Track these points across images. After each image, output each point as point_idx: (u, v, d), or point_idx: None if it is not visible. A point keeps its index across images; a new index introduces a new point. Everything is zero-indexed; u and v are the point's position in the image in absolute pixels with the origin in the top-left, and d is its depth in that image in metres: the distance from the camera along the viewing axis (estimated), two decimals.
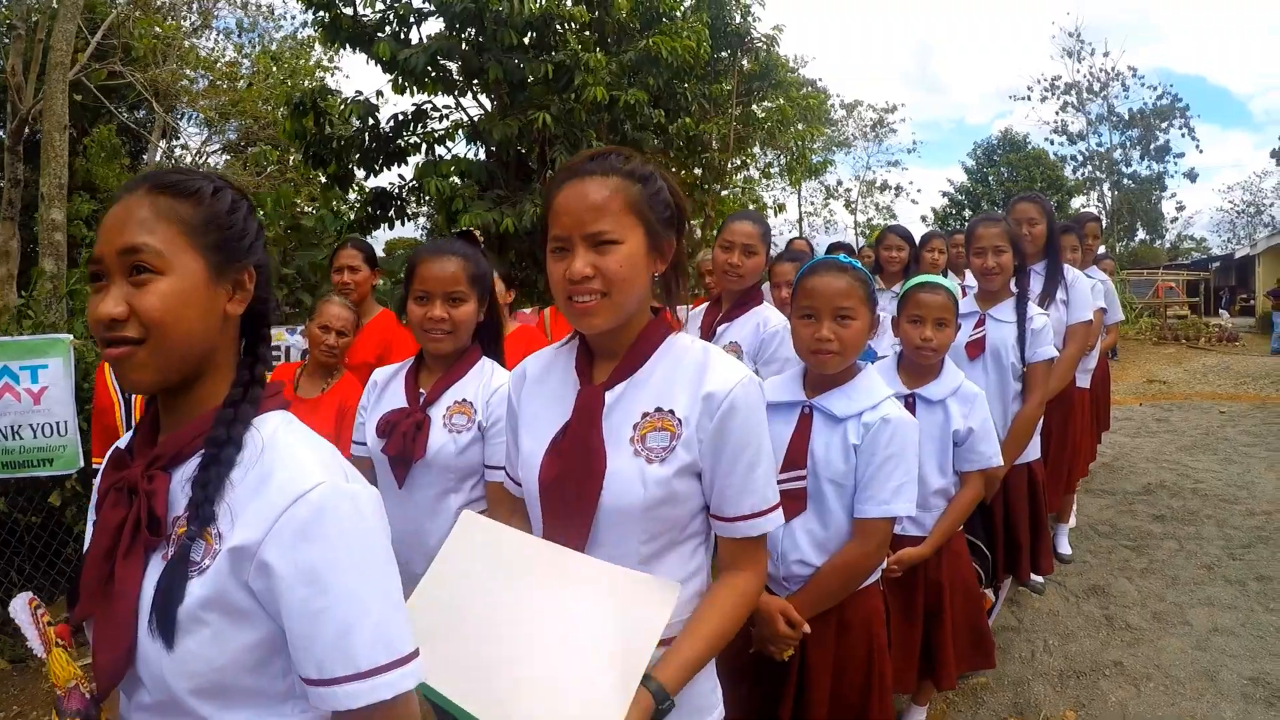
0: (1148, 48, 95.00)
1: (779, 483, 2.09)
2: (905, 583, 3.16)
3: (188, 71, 17.53)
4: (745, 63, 11.88)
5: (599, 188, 1.65)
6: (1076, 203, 38.36)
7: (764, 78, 11.82)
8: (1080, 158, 45.61)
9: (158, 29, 15.41)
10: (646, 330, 1.78)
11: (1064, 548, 5.78)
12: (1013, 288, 4.06)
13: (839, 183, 42.81)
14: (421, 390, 2.79)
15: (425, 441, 2.67)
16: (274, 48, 20.91)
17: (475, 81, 9.50)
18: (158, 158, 17.63)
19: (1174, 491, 7.15)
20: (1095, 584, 5.31)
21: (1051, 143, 44.63)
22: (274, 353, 5.65)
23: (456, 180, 9.49)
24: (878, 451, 2.44)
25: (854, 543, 2.48)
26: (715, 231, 13.51)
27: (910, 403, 3.19)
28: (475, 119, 9.87)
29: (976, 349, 3.93)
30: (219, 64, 18.93)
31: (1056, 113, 45.59)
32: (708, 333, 3.83)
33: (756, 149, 12.89)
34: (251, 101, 17.06)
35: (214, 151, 19.82)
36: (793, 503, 2.48)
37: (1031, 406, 3.90)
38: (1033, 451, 4.12)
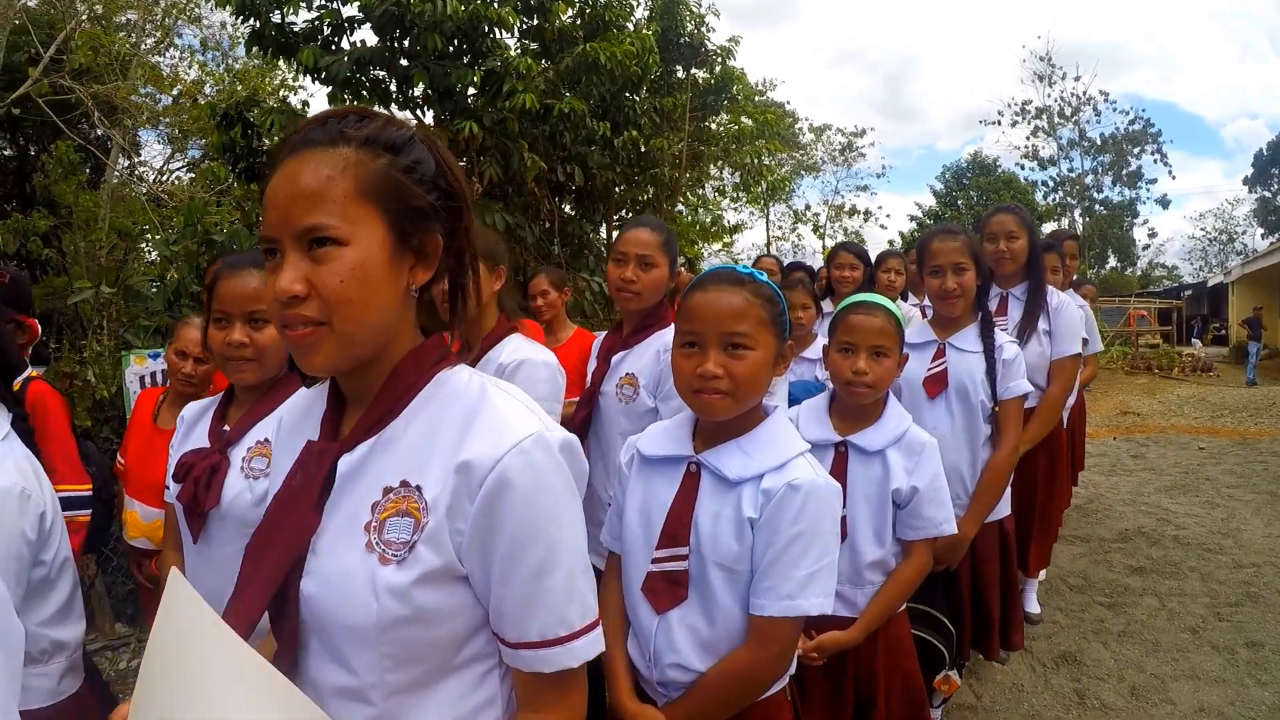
0: (1119, 75, 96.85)
1: (656, 561, 1.88)
2: (830, 673, 2.53)
3: (150, 89, 16.93)
4: (703, 75, 11.33)
5: (318, 165, 1.17)
6: (1048, 228, 38.10)
7: (720, 92, 11.25)
8: (1051, 183, 45.79)
9: (101, 42, 14.79)
10: (402, 365, 1.28)
11: (1032, 605, 5.16)
12: (980, 312, 3.46)
13: (807, 207, 42.54)
14: (226, 428, 2.34)
15: (219, 488, 2.21)
16: (238, 66, 20.30)
17: (407, 92, 8.87)
18: (114, 177, 16.99)
19: (1153, 539, 6.55)
20: (1066, 651, 4.69)
21: (1022, 167, 44.71)
22: (142, 376, 5.03)
23: None
24: (781, 529, 1.80)
25: (747, 646, 1.84)
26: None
27: (842, 453, 2.57)
28: None
29: (937, 385, 3.30)
30: (180, 82, 18.31)
31: (1027, 137, 45.81)
32: (604, 364, 3.18)
33: (715, 167, 12.26)
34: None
35: (179, 169, 19.25)
36: (670, 588, 1.88)
37: (1004, 453, 3.27)
38: (1004, 507, 3.50)
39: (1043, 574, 5.70)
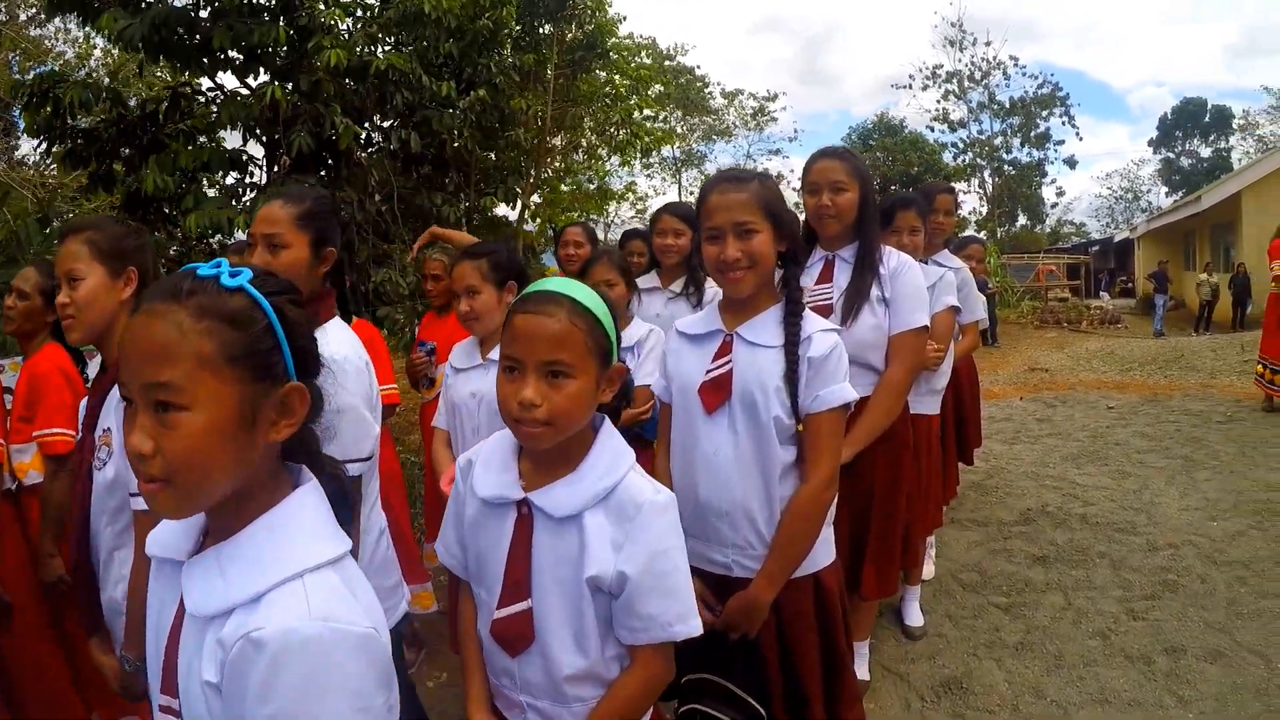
0: (1029, 44, 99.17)
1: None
2: None
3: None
4: (573, 30, 10.34)
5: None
6: (957, 189, 38.01)
7: (591, 48, 10.26)
8: (961, 144, 45.95)
9: None
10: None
11: (913, 617, 4.37)
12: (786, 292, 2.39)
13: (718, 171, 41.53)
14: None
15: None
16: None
17: (212, 54, 7.73)
18: None
19: (1059, 519, 5.77)
20: (951, 675, 3.88)
21: (932, 130, 44.91)
22: None
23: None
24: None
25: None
26: (540, 222, 12.07)
27: (525, 515, 1.73)
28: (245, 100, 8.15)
29: (718, 392, 2.32)
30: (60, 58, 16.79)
31: (938, 101, 46.00)
32: None
33: (591, 129, 11.26)
34: None
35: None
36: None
37: (813, 488, 2.25)
38: (821, 554, 2.42)
39: (930, 571, 4.94)
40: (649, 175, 37.28)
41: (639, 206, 36.87)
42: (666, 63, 34.38)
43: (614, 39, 10.59)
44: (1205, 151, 55.80)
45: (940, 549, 5.31)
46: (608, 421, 1.79)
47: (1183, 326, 22.98)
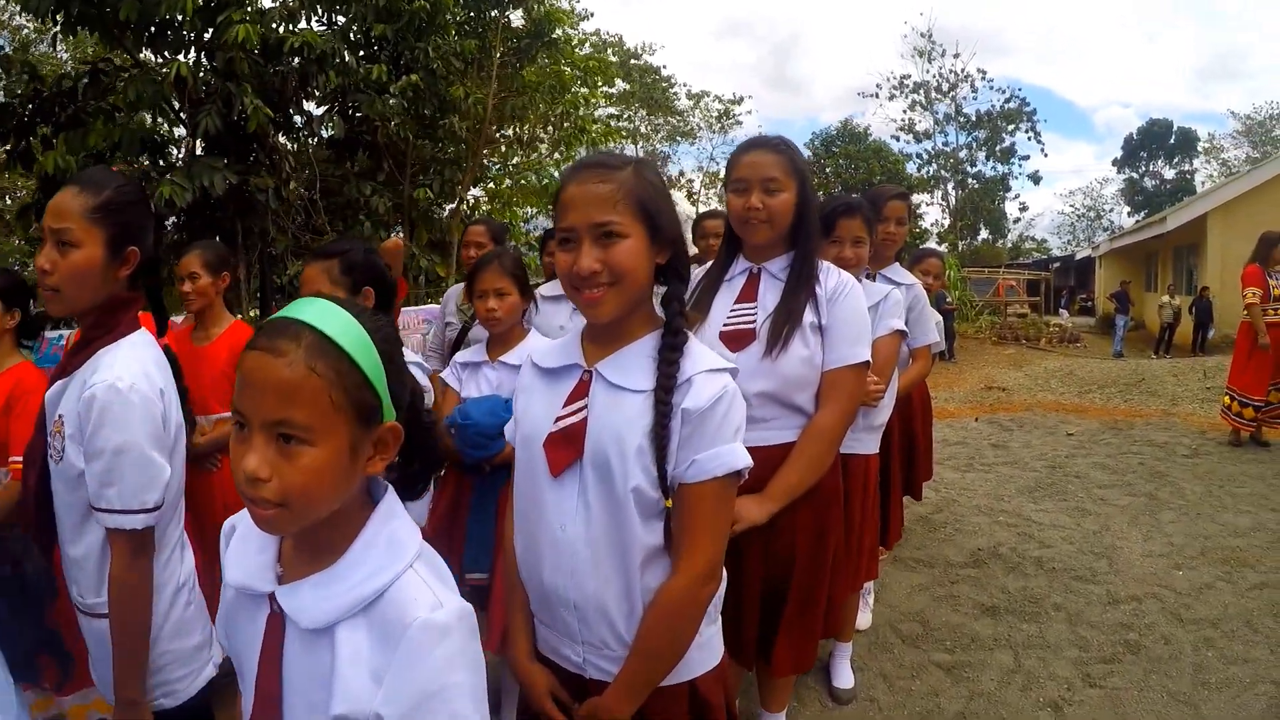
0: (998, 58, 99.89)
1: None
2: None
3: None
4: (520, 18, 9.77)
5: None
6: (920, 200, 38.02)
7: (538, 36, 9.69)
8: (926, 155, 46.15)
9: None
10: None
11: (842, 679, 3.84)
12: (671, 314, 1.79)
13: (681, 174, 41.93)
14: None
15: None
16: None
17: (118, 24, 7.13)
18: None
19: (1012, 563, 5.28)
20: None
21: (898, 140, 44.82)
22: None
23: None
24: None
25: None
26: (475, 213, 11.43)
27: (275, 618, 1.32)
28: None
29: (566, 450, 1.74)
30: None
31: (904, 111, 46.30)
32: None
33: (537, 120, 10.67)
34: None
35: None
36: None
37: (684, 585, 1.68)
38: (698, 661, 1.82)
39: (865, 620, 4.44)
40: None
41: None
42: (632, 61, 34.07)
43: (562, 27, 10.02)
44: (1169, 173, 56.20)
45: (881, 592, 4.82)
46: (391, 496, 1.32)
47: (1142, 348, 22.76)
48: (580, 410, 1.74)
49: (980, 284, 31.14)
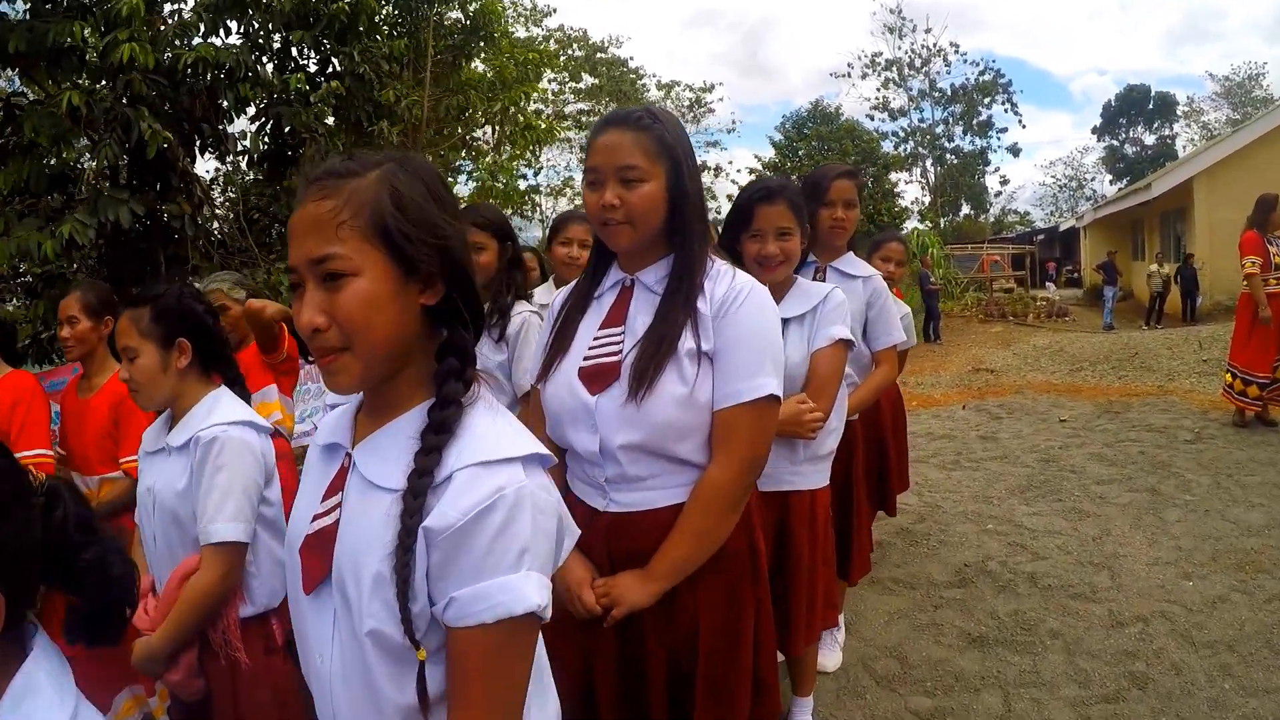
0: (970, 33, 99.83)
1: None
2: None
3: None
4: (454, 14, 9.20)
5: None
6: (898, 178, 37.63)
7: (474, 32, 9.11)
8: (902, 133, 45.73)
9: None
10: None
11: None
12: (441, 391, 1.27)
13: None
14: None
15: None
16: None
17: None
18: None
19: (1002, 580, 4.74)
20: None
21: (872, 119, 44.52)
22: None
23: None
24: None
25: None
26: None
27: None
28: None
29: (316, 564, 1.30)
30: None
31: (878, 89, 45.80)
32: None
33: (485, 122, 10.09)
34: None
35: None
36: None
37: None
38: None
39: (834, 660, 3.91)
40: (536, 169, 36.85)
41: (577, 202, 36.07)
42: (599, 55, 33.51)
43: (499, 22, 9.45)
44: (1150, 139, 55.95)
45: (854, 622, 4.29)
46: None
47: (1133, 319, 22.25)
48: (335, 509, 1.29)
49: (964, 260, 30.82)
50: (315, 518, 1.31)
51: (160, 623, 2.22)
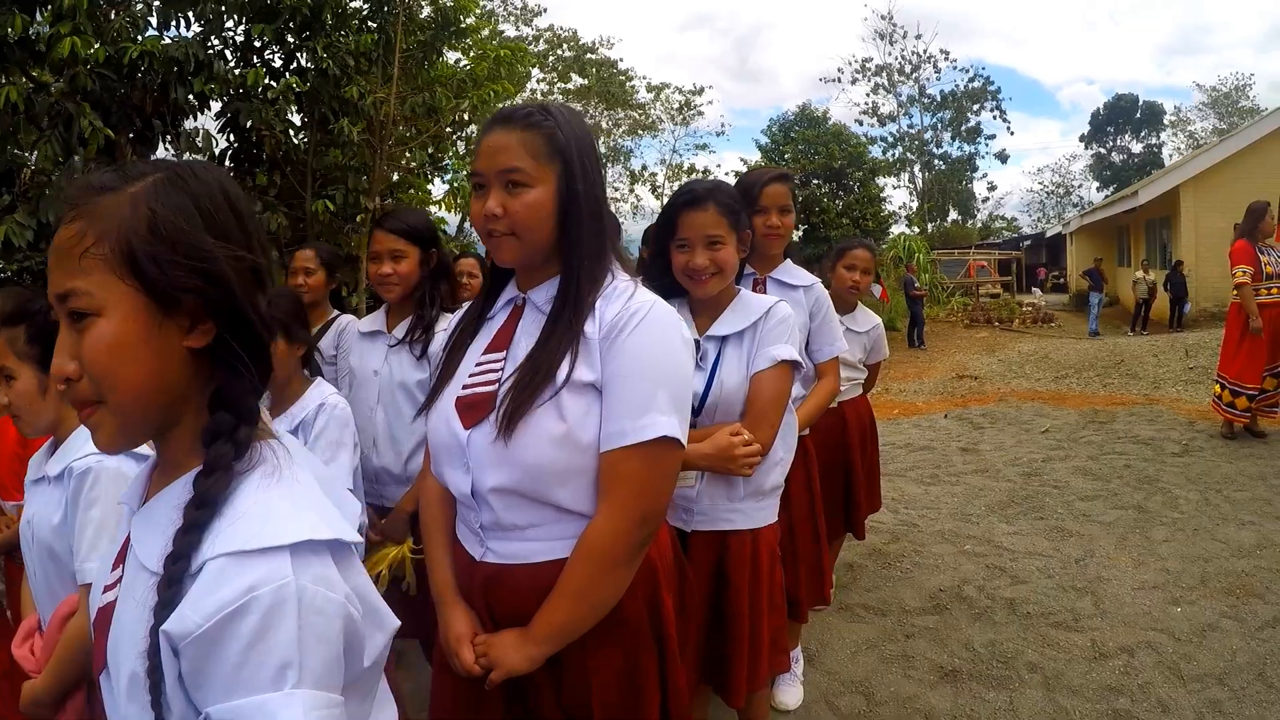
0: (960, 41, 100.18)
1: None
2: None
3: None
4: (426, 8, 8.89)
5: None
6: (886, 183, 37.50)
7: (446, 26, 8.80)
8: (891, 138, 45.90)
9: None
10: None
11: None
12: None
13: (644, 167, 41.17)
14: None
15: None
16: None
17: None
18: None
19: (979, 606, 4.46)
20: None
21: (861, 123, 44.58)
22: None
23: None
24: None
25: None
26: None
27: None
28: None
29: (98, 649, 1.10)
30: None
31: (867, 94, 46.21)
32: None
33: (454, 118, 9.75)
34: None
35: None
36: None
37: None
38: None
39: (795, 697, 3.63)
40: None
41: None
42: (588, 56, 33.26)
43: (473, 14, 9.14)
44: (1136, 147, 56.09)
45: (819, 653, 4.02)
46: None
47: (1118, 325, 22.06)
48: (116, 584, 1.09)
49: (951, 265, 30.73)
50: (105, 589, 1.09)
51: (44, 664, 1.99)
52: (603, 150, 37.93)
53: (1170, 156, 49.76)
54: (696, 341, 2.38)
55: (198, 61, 6.65)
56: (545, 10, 31.32)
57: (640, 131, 39.53)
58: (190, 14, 7.08)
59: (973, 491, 6.57)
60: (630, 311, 1.61)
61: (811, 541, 3.30)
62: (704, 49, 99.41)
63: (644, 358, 1.59)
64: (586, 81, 32.80)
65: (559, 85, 31.94)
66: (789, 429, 2.57)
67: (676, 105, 40.03)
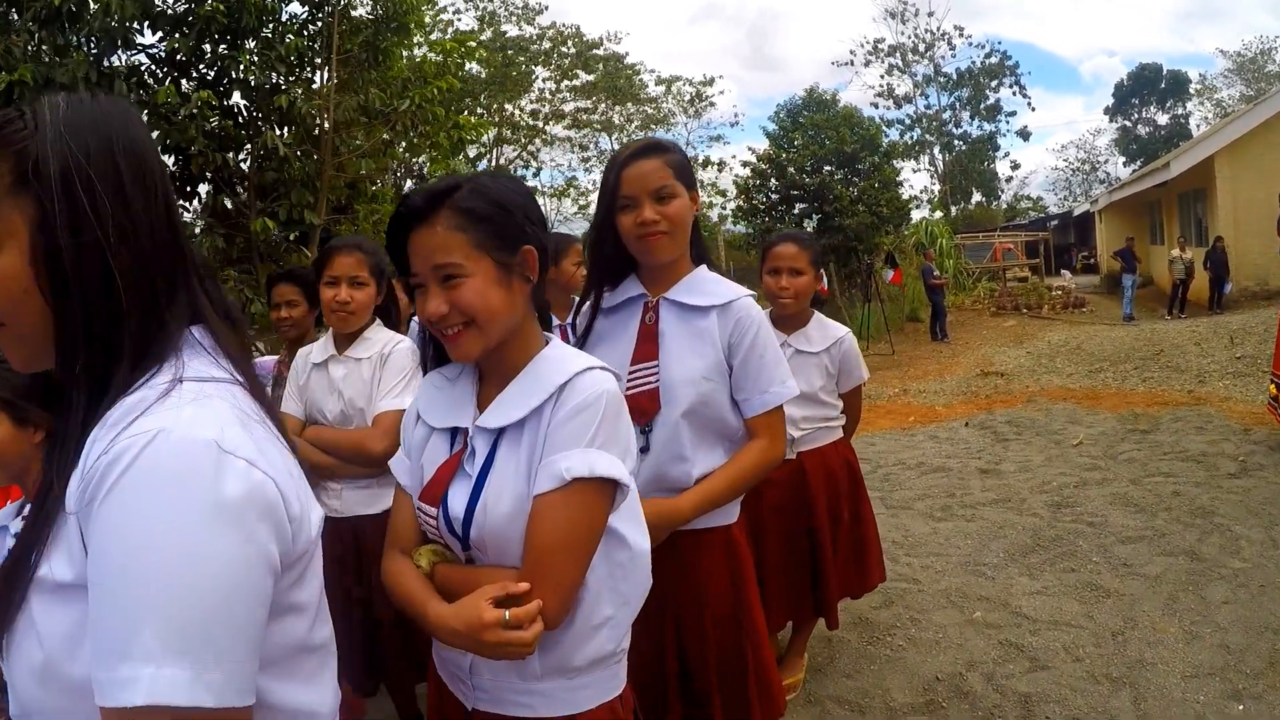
0: (975, 19, 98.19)
1: None
2: None
3: None
4: (362, 8, 8.09)
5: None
6: (905, 166, 36.44)
7: (386, 23, 7.97)
8: (908, 120, 44.95)
9: None
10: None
11: None
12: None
13: None
14: None
15: None
16: None
17: None
18: None
19: (985, 706, 3.46)
20: None
21: (877, 106, 43.72)
22: None
23: None
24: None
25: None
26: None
27: None
28: None
29: None
30: None
31: (881, 76, 45.52)
32: None
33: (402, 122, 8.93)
34: None
35: None
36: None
37: None
38: None
39: None
40: (588, 169, 35.99)
41: (580, 203, 35.17)
42: (594, 51, 32.49)
43: (415, 13, 8.28)
44: (1162, 119, 54.42)
45: None
46: None
47: (1154, 307, 20.82)
48: None
49: (976, 250, 29.65)
50: None
51: None
52: (613, 145, 37.29)
53: (1198, 127, 48.24)
54: (466, 430, 1.58)
55: (90, 83, 5.98)
56: (546, 8, 30.50)
57: (653, 126, 38.85)
58: (80, 35, 6.39)
59: (991, 530, 5.57)
60: (115, 455, 0.88)
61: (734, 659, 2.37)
62: (716, 39, 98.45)
63: (115, 554, 0.86)
64: (593, 78, 32.11)
65: (566, 83, 31.33)
66: (621, 567, 1.64)
67: (688, 97, 39.33)
